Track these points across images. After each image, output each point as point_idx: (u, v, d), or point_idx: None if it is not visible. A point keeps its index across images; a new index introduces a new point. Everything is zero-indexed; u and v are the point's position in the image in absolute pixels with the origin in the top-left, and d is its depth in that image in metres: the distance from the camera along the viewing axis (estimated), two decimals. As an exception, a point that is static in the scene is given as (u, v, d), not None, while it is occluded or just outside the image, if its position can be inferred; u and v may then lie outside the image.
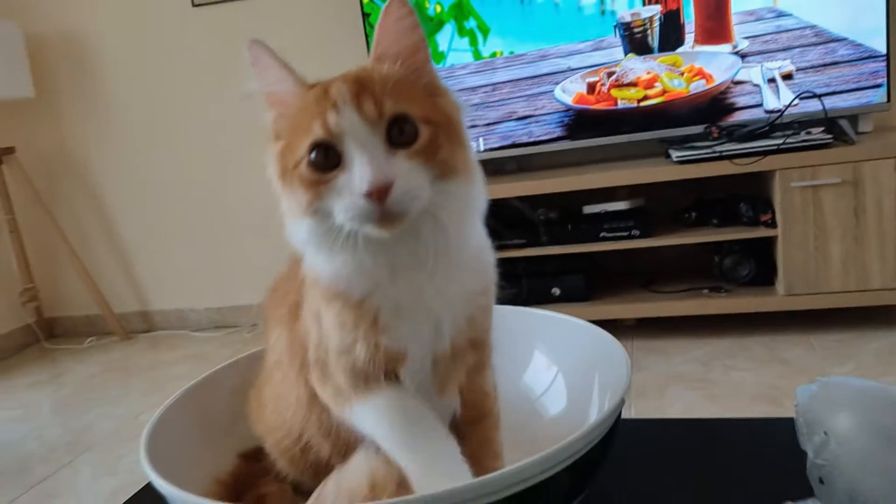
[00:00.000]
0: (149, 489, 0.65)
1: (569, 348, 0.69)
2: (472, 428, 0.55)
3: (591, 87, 2.38)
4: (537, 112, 2.46)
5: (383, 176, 0.42)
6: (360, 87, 0.45)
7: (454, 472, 0.44)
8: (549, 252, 2.40)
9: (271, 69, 0.48)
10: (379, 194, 0.42)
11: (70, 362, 3.08)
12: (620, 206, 2.39)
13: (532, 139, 2.48)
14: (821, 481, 0.51)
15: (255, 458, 0.64)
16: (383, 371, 0.50)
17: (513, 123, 2.49)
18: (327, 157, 0.44)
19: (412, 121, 0.45)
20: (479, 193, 0.51)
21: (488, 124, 2.50)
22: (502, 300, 2.35)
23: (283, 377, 0.56)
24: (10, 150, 3.01)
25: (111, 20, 3.06)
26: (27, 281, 3.27)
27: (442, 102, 0.49)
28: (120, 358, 3.05)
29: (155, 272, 3.30)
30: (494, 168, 2.70)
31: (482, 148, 2.52)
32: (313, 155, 0.45)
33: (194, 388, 0.66)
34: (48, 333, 3.42)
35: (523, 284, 2.45)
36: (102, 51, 3.10)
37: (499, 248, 2.29)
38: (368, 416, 0.49)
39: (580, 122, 2.43)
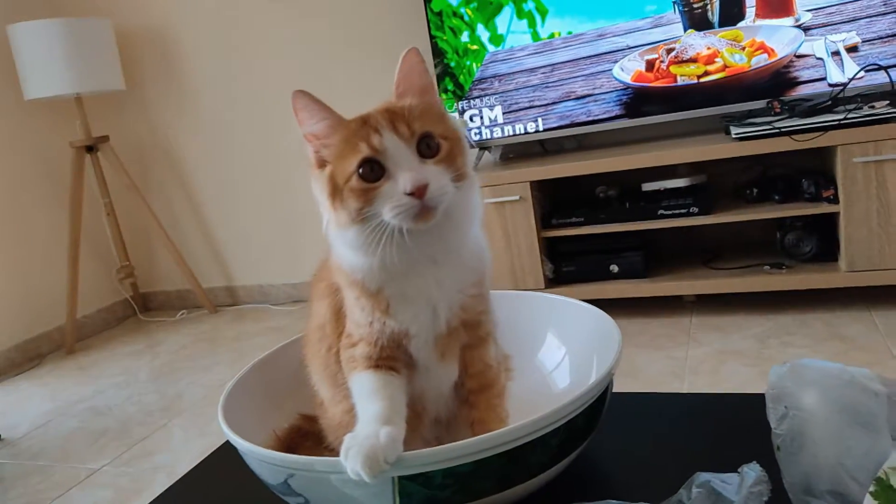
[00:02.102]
0: (227, 446, 0.78)
1: (576, 330, 0.78)
2: (478, 396, 0.66)
3: (650, 65, 2.39)
4: (596, 91, 2.49)
5: (421, 178, 0.55)
6: (393, 115, 0.58)
7: (370, 430, 0.55)
8: (607, 230, 2.44)
9: (314, 112, 0.60)
10: (419, 192, 0.55)
11: (163, 333, 3.36)
12: (679, 183, 2.40)
13: (591, 118, 2.51)
14: (778, 448, 0.58)
15: (311, 418, 0.76)
16: (394, 343, 0.62)
17: (572, 103, 2.53)
18: (373, 171, 0.57)
19: (435, 137, 0.58)
20: (480, 199, 0.64)
21: (547, 104, 2.55)
22: (563, 276, 2.46)
23: (322, 336, 0.69)
24: (104, 139, 3.27)
25: (194, 13, 3.25)
26: (123, 259, 3.56)
27: (451, 124, 0.61)
28: (208, 329, 3.29)
29: (238, 250, 3.53)
30: (554, 147, 2.75)
31: (541, 128, 2.57)
32: (362, 169, 0.57)
33: (262, 362, 0.79)
34: (143, 307, 3.72)
35: (582, 262, 2.51)
36: (186, 43, 3.31)
37: (558, 225, 2.40)
38: (355, 382, 0.63)
39: (639, 99, 2.45)
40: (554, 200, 2.63)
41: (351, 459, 0.52)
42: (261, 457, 0.59)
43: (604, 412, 0.65)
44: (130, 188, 3.31)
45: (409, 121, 0.57)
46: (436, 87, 0.64)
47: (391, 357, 0.62)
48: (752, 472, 0.54)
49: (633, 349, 2.23)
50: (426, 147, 0.57)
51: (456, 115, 2.65)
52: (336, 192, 0.59)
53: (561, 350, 0.79)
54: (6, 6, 3.20)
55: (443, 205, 0.57)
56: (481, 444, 0.55)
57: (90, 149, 3.25)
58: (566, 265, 2.53)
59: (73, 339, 3.26)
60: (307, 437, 0.75)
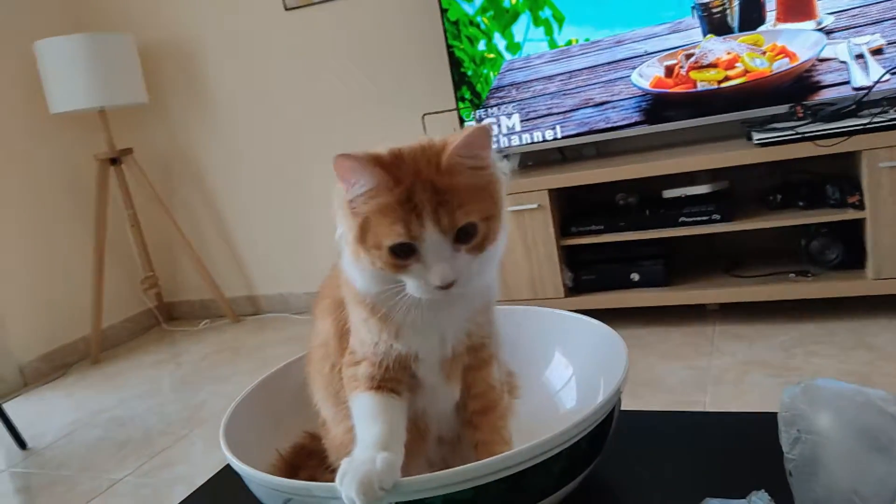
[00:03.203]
0: (228, 469, 0.78)
1: (583, 348, 0.76)
2: (482, 418, 0.64)
3: (669, 71, 2.36)
4: (614, 98, 2.46)
5: (452, 275, 0.55)
6: (439, 199, 0.54)
7: (366, 455, 0.55)
8: (627, 238, 2.42)
9: (358, 173, 0.56)
10: (445, 287, 0.55)
11: (187, 343, 3.39)
12: (701, 189, 2.37)
13: (610, 125, 2.49)
14: (790, 474, 0.56)
15: (316, 436, 0.75)
16: (399, 365, 0.61)
17: (590, 110, 2.51)
18: (405, 250, 0.56)
19: (473, 224, 0.56)
20: (503, 244, 0.61)
21: (565, 111, 2.53)
22: (582, 285, 2.42)
23: (325, 355, 0.69)
24: (128, 151, 3.32)
25: (214, 28, 3.29)
26: (148, 269, 3.60)
27: (495, 188, 0.58)
28: (230, 339, 3.32)
29: (260, 260, 3.55)
30: (573, 154, 2.73)
31: (559, 135, 2.55)
32: (395, 248, 0.55)
33: (266, 381, 0.79)
34: (167, 316, 3.76)
35: (601, 270, 2.48)
36: (207, 56, 3.35)
37: (577, 234, 2.38)
38: (356, 402, 0.62)
39: (658, 106, 2.42)
40: (573, 208, 2.60)
41: (346, 486, 0.52)
42: (259, 481, 0.59)
43: (610, 435, 0.63)
44: (154, 199, 3.35)
45: (454, 209, 0.54)
46: (491, 146, 0.59)
47: (394, 379, 0.62)
48: (760, 501, 0.52)
49: (654, 359, 2.20)
50: (464, 234, 0.55)
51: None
52: (364, 243, 0.57)
53: (568, 369, 0.78)
54: (33, 23, 3.26)
55: (470, 286, 0.57)
56: (479, 471, 0.54)
57: (114, 161, 3.30)
58: (586, 274, 2.50)
59: (99, 349, 3.30)
60: (311, 456, 0.74)
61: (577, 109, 2.52)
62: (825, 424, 0.58)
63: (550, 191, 2.43)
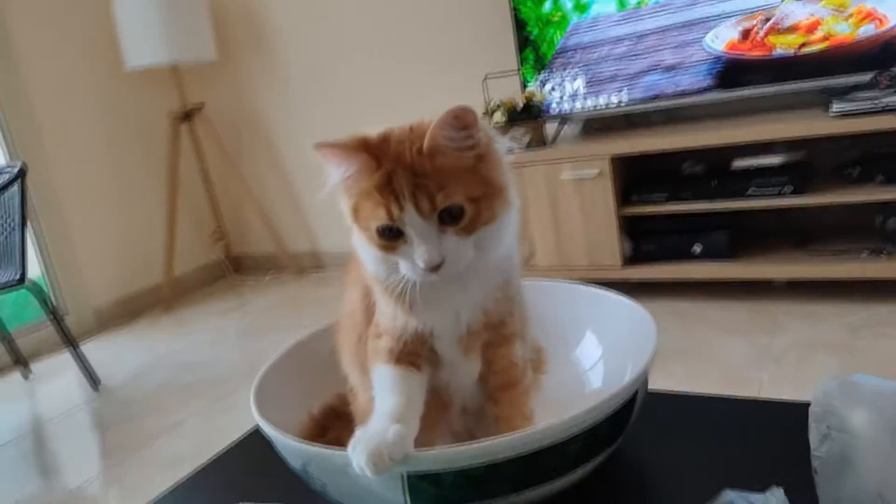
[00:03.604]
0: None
1: (616, 328, 0.75)
2: (502, 393, 0.64)
3: (745, 34, 2.24)
4: (685, 61, 2.36)
5: (437, 256, 0.54)
6: (417, 182, 0.54)
7: (379, 426, 0.55)
8: (691, 208, 2.34)
9: (335, 159, 0.57)
10: (434, 269, 0.55)
11: (252, 294, 3.51)
12: (773, 160, 2.26)
13: (679, 90, 2.40)
14: (815, 472, 0.54)
15: (346, 398, 0.77)
16: (417, 340, 0.61)
17: (659, 74, 2.41)
18: (391, 232, 0.56)
19: (458, 205, 0.55)
20: (513, 218, 0.60)
21: (632, 76, 2.45)
22: (641, 255, 2.38)
23: (352, 325, 0.70)
24: (199, 108, 3.41)
25: (282, -17, 3.31)
26: (217, 222, 3.73)
27: (486, 167, 0.57)
28: (293, 292, 3.41)
29: (323, 216, 3.61)
30: (640, 120, 2.64)
31: (625, 101, 2.48)
32: (380, 231, 0.56)
33: (298, 345, 0.80)
34: (235, 267, 3.89)
35: (663, 240, 2.42)
36: (277, 16, 3.38)
37: (638, 202, 2.33)
38: (376, 374, 0.63)
39: (732, 71, 2.31)
40: (636, 176, 2.53)
41: (357, 455, 0.53)
42: (282, 443, 0.61)
43: (631, 420, 0.62)
44: (223, 155, 3.44)
45: (433, 192, 0.54)
46: (478, 124, 0.56)
47: (413, 352, 0.62)
48: (774, 498, 0.50)
49: (714, 334, 2.14)
50: (448, 215, 0.55)
51: (535, 89, 2.59)
52: (357, 221, 0.59)
53: (598, 350, 0.77)
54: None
55: (460, 271, 0.56)
56: (491, 449, 0.54)
57: (186, 117, 3.39)
58: (646, 244, 2.44)
59: (170, 296, 3.46)
60: (340, 417, 0.76)
61: (646, 73, 2.43)
62: (859, 423, 0.55)
63: (612, 158, 2.37)
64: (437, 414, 0.67)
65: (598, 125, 2.73)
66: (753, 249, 2.37)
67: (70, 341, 2.56)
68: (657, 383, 1.93)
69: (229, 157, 3.45)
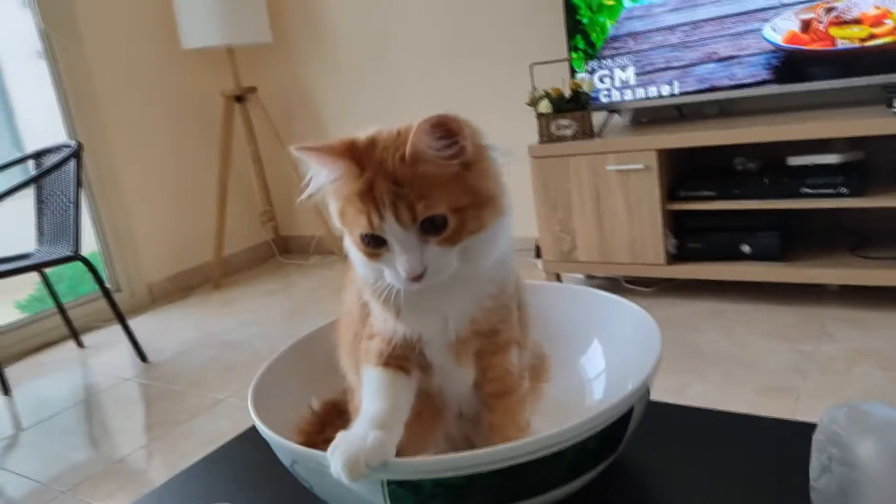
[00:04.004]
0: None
1: (622, 337, 0.73)
2: (497, 401, 0.63)
3: (806, 25, 2.14)
4: (742, 52, 2.27)
5: (418, 267, 0.53)
6: (398, 191, 0.53)
7: (360, 431, 0.55)
8: (741, 206, 2.26)
9: (318, 163, 0.56)
10: (415, 279, 0.54)
11: (298, 276, 3.57)
12: (830, 159, 2.16)
13: (734, 82, 2.31)
14: (811, 505, 0.52)
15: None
16: (407, 345, 0.61)
17: (713, 65, 2.33)
18: (374, 240, 0.55)
19: (440, 216, 0.53)
20: (505, 228, 0.58)
21: (685, 66, 2.37)
22: (687, 253, 2.33)
23: (349, 324, 0.70)
24: (252, 90, 3.46)
25: (336, -32, 3.32)
26: (266, 204, 3.79)
27: (473, 176, 0.55)
28: (338, 276, 3.45)
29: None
30: (692, 113, 2.56)
31: (677, 91, 2.40)
32: (364, 238, 0.55)
33: (300, 342, 0.81)
34: (283, 249, 3.96)
35: (710, 239, 2.35)
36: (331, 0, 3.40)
37: (686, 198, 2.27)
38: (365, 376, 0.62)
39: (790, 64, 2.21)
40: (684, 171, 2.46)
41: (335, 459, 0.53)
42: (271, 439, 0.61)
43: (626, 436, 0.60)
44: (274, 137, 3.49)
45: (414, 201, 0.53)
46: (465, 133, 0.55)
47: (403, 356, 0.61)
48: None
49: (757, 337, 2.07)
50: (430, 225, 0.53)
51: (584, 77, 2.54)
52: (344, 223, 0.58)
53: (603, 359, 0.74)
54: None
55: (442, 280, 0.55)
56: (470, 461, 0.53)
57: (239, 98, 3.45)
58: (692, 241, 2.38)
59: (219, 274, 3.54)
60: (342, 414, 0.76)
61: (699, 64, 2.35)
62: (865, 456, 0.52)
63: (659, 151, 2.30)
64: (431, 418, 0.66)
65: (647, 117, 2.66)
66: (804, 251, 2.28)
67: (120, 316, 2.65)
68: (691, 386, 1.89)
69: (280, 139, 3.50)
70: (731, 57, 2.29)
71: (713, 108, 2.52)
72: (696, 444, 0.68)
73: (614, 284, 2.69)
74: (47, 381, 2.71)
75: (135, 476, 1.91)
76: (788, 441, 0.65)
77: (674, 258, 2.40)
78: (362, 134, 0.58)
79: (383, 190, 0.53)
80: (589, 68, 2.54)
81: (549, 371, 0.73)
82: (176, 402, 2.33)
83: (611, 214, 2.44)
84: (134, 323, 2.96)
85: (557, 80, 2.56)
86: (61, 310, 2.90)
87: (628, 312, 0.73)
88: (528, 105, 2.55)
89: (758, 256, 2.28)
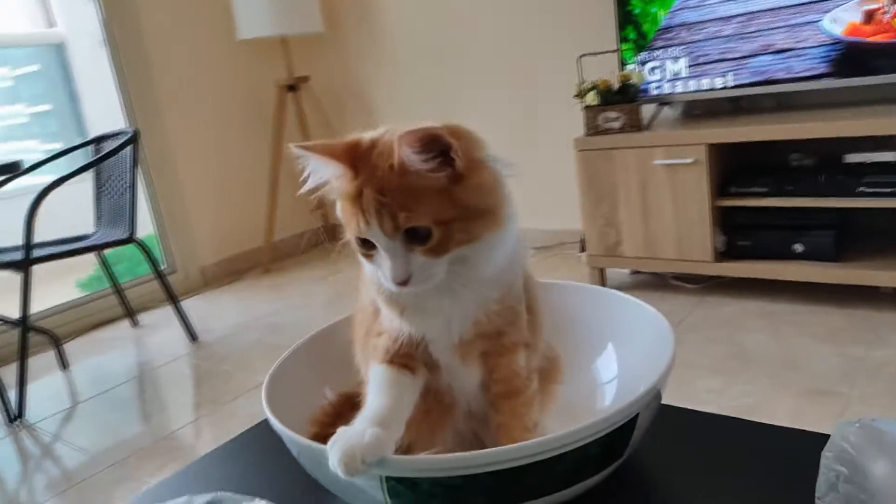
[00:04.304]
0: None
1: (637, 341, 0.71)
2: (504, 402, 0.63)
3: (869, 17, 2.04)
4: (799, 44, 2.19)
5: (402, 274, 0.54)
6: (382, 200, 0.53)
7: (359, 428, 0.55)
8: (795, 204, 2.18)
9: (317, 162, 0.58)
10: (401, 285, 0.55)
11: (344, 263, 3.60)
12: (890, 157, 2.07)
13: (791, 75, 2.23)
14: (813, 524, 0.50)
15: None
16: (413, 343, 0.61)
17: (769, 57, 2.25)
18: (366, 242, 0.56)
19: (424, 228, 0.54)
20: (506, 238, 0.58)
21: (740, 58, 2.30)
22: (736, 251, 2.31)
23: (362, 319, 0.70)
24: (305, 79, 3.51)
25: (388, -43, 3.33)
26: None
27: (462, 189, 0.54)
28: (383, 264, 3.48)
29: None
30: (747, 106, 2.48)
31: (731, 83, 2.33)
32: (357, 239, 0.57)
33: (316, 336, 0.82)
34: (331, 236, 4.02)
35: (760, 237, 2.28)
36: (381, -14, 3.41)
37: (736, 195, 2.22)
38: (371, 372, 0.63)
39: (851, 57, 2.11)
40: (735, 166, 2.39)
41: (332, 453, 0.54)
42: (279, 430, 0.62)
43: (631, 442, 0.59)
44: (325, 127, 3.54)
45: (395, 212, 0.53)
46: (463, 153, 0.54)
47: (408, 354, 0.62)
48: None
49: (805, 339, 2.01)
50: (414, 235, 0.54)
51: (633, 67, 2.49)
52: (343, 221, 0.59)
53: (616, 365, 0.73)
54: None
55: (430, 287, 0.56)
56: (468, 461, 0.53)
57: (292, 88, 3.51)
58: (741, 239, 2.31)
59: (269, 259, 3.62)
60: (356, 406, 0.77)
61: (755, 56, 2.28)
62: (876, 475, 0.50)
63: (710, 145, 2.24)
64: (440, 415, 0.67)
65: (699, 110, 2.59)
66: (859, 252, 2.19)
67: (172, 297, 2.74)
68: (734, 388, 1.85)
69: (332, 128, 3.55)
70: (789, 49, 2.21)
71: (770, 101, 2.44)
72: (706, 451, 0.67)
73: (660, 280, 2.64)
74: (103, 357, 2.83)
75: (181, 452, 1.98)
76: (804, 453, 0.63)
77: (722, 255, 2.34)
78: (368, 135, 0.58)
79: (370, 198, 0.54)
80: (639, 59, 2.48)
81: (561, 372, 0.72)
82: (223, 381, 2.40)
83: (658, 209, 2.39)
84: (186, 304, 3.06)
85: (606, 71, 2.52)
86: (118, 290, 3.01)
87: (645, 315, 0.72)
88: (576, 97, 2.51)
89: (810, 256, 2.20)
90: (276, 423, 0.63)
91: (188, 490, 0.60)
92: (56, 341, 2.73)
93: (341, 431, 0.56)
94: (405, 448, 0.67)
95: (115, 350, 2.90)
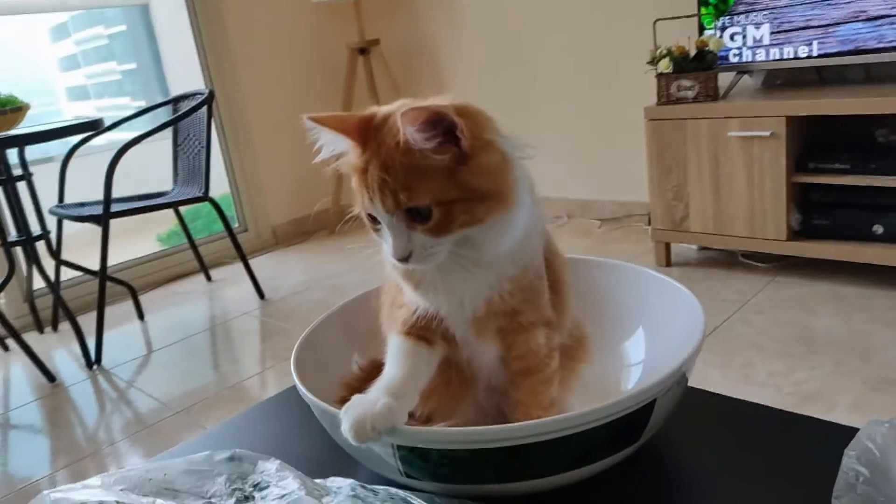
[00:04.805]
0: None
1: (668, 323, 0.69)
2: (522, 379, 0.63)
3: (977, -20, 1.87)
4: (893, 12, 2.03)
5: (403, 250, 0.54)
6: (383, 178, 0.53)
7: (372, 397, 0.56)
8: (878, 182, 2.06)
9: (328, 135, 0.58)
10: (402, 261, 0.55)
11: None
12: None
13: (883, 44, 2.08)
14: (828, 525, 0.48)
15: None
16: (430, 317, 0.62)
17: (860, 25, 2.10)
18: (372, 217, 0.57)
19: (425, 206, 0.53)
20: (515, 220, 0.56)
21: (827, 25, 2.16)
22: (811, 230, 2.22)
23: (388, 289, 0.71)
24: (375, 42, 3.52)
25: (463, -83, 3.27)
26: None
27: (467, 170, 0.53)
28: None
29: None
30: (833, 77, 2.34)
31: (815, 52, 2.20)
32: (365, 213, 0.57)
33: (345, 306, 0.83)
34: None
35: (838, 216, 2.16)
36: (454, -53, 3.36)
37: (815, 171, 2.13)
38: (389, 343, 0.64)
39: (953, 24, 1.95)
40: (816, 140, 2.26)
41: (345, 420, 0.55)
42: (302, 392, 0.64)
43: (649, 427, 0.58)
44: (394, 90, 3.54)
45: (396, 190, 0.52)
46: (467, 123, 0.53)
47: (426, 327, 0.62)
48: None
49: (878, 326, 1.91)
50: (416, 213, 0.53)
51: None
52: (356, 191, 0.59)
53: (644, 345, 0.72)
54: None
55: (433, 265, 0.56)
56: (474, 436, 0.53)
57: (363, 51, 3.52)
58: (818, 217, 2.20)
59: (336, 221, 3.69)
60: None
61: (844, 24, 2.13)
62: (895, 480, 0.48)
63: (789, 118, 2.13)
64: (460, 387, 0.67)
65: (781, 79, 2.46)
66: (949, 236, 2.05)
67: (242, 255, 2.83)
68: (796, 372, 1.79)
69: (400, 91, 3.55)
70: (882, 16, 2.06)
71: (857, 73, 2.28)
72: (729, 438, 0.65)
73: (729, 258, 2.55)
74: (177, 309, 2.97)
75: (243, 404, 2.07)
76: (831, 447, 0.60)
77: (796, 234, 2.24)
78: (385, 108, 0.58)
79: (374, 174, 0.54)
80: (719, 25, 2.37)
81: (588, 351, 0.71)
82: (285, 338, 2.48)
83: (729, 184, 2.30)
84: (256, 262, 3.17)
85: (683, 37, 2.41)
86: (193, 245, 3.14)
87: (680, 297, 0.70)
88: (648, 64, 2.42)
89: (891, 238, 2.07)
90: (300, 387, 0.65)
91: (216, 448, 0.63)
92: (133, 292, 2.88)
93: (356, 399, 0.57)
94: (425, 417, 0.68)
95: (189, 303, 3.03)
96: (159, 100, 3.04)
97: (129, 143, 2.39)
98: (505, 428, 0.53)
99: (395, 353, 0.62)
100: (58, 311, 2.76)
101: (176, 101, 2.94)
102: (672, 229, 2.48)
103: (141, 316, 2.86)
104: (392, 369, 0.61)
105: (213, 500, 0.51)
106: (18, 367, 2.54)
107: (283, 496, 0.49)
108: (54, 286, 2.53)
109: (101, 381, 2.36)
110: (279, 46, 3.56)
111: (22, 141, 2.33)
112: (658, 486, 0.61)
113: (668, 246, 2.57)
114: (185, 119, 2.73)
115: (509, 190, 0.55)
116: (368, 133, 0.56)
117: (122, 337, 2.72)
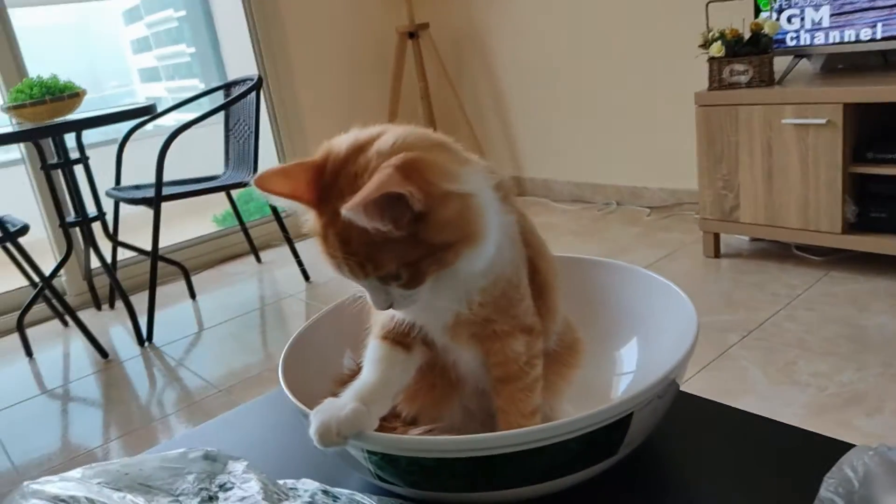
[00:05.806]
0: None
1: (662, 330, 0.67)
2: (502, 386, 0.62)
3: None
4: (968, -10, 1.90)
5: (383, 304, 0.55)
6: (346, 250, 0.52)
7: (342, 401, 0.57)
8: (943, 173, 1.94)
9: (276, 200, 0.56)
10: (385, 310, 0.56)
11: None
12: None
13: (955, 26, 1.95)
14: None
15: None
16: (407, 325, 0.61)
17: (929, 5, 1.97)
18: None
19: (391, 273, 0.52)
20: (485, 247, 0.55)
21: (892, 6, 2.03)
22: (868, 222, 2.14)
23: None
24: (424, 26, 3.50)
25: None
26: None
27: (426, 228, 0.51)
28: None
29: (531, 143, 3.59)
30: (897, 61, 2.21)
31: (878, 35, 2.07)
32: None
33: (338, 306, 0.83)
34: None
35: (891, 209, 2.05)
36: (505, -72, 3.30)
37: (873, 161, 2.05)
38: (368, 347, 0.64)
39: None
40: (874, 129, 2.14)
41: (312, 423, 0.55)
42: (284, 391, 0.65)
43: (625, 440, 0.56)
44: (442, 74, 3.53)
45: (363, 262, 0.52)
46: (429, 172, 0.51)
47: (404, 332, 0.62)
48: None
49: (935, 327, 1.81)
50: (387, 276, 0.52)
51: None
52: None
53: (636, 359, 0.70)
54: None
55: (416, 304, 0.56)
56: (439, 446, 0.53)
57: (412, 35, 3.51)
58: (875, 210, 2.09)
59: (385, 205, 3.71)
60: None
61: (912, 3, 2.00)
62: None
63: (846, 105, 2.02)
64: (445, 391, 0.67)
65: (842, 64, 2.34)
66: None
67: (288, 238, 2.89)
68: (842, 374, 1.74)
69: (449, 77, 3.53)
70: (955, -6, 1.92)
71: (927, 55, 2.15)
72: (718, 450, 0.62)
73: (783, 250, 2.45)
74: (227, 290, 3.06)
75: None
76: (825, 464, 0.57)
77: (852, 227, 2.13)
78: (346, 141, 0.57)
79: (335, 246, 0.53)
80: (776, 7, 2.26)
81: (580, 355, 0.69)
82: (327, 322, 2.52)
83: (782, 173, 2.20)
84: (302, 246, 3.22)
85: (738, 20, 2.31)
86: (244, 228, 3.22)
87: (674, 299, 0.67)
88: (700, 47, 2.34)
89: (958, 234, 1.96)
90: (283, 385, 0.65)
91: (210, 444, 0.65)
92: (186, 272, 2.98)
93: (326, 402, 0.57)
94: (410, 420, 0.68)
95: (239, 283, 3.12)
96: (219, 83, 3.11)
97: (178, 129, 2.46)
98: (468, 439, 0.52)
99: (371, 357, 0.62)
100: (114, 289, 2.87)
101: (228, 86, 3.00)
102: (721, 219, 2.40)
103: (193, 295, 2.96)
104: (366, 374, 0.61)
105: (180, 499, 0.52)
106: (78, 342, 2.66)
107: (243, 498, 0.50)
108: (109, 266, 2.64)
109: (153, 358, 2.45)
110: (330, 30, 3.58)
111: (77, 126, 2.43)
112: (640, 499, 0.59)
113: (717, 236, 2.49)
114: (234, 104, 2.79)
115: (474, 229, 0.53)
116: (321, 192, 0.54)
117: (174, 315, 2.82)
